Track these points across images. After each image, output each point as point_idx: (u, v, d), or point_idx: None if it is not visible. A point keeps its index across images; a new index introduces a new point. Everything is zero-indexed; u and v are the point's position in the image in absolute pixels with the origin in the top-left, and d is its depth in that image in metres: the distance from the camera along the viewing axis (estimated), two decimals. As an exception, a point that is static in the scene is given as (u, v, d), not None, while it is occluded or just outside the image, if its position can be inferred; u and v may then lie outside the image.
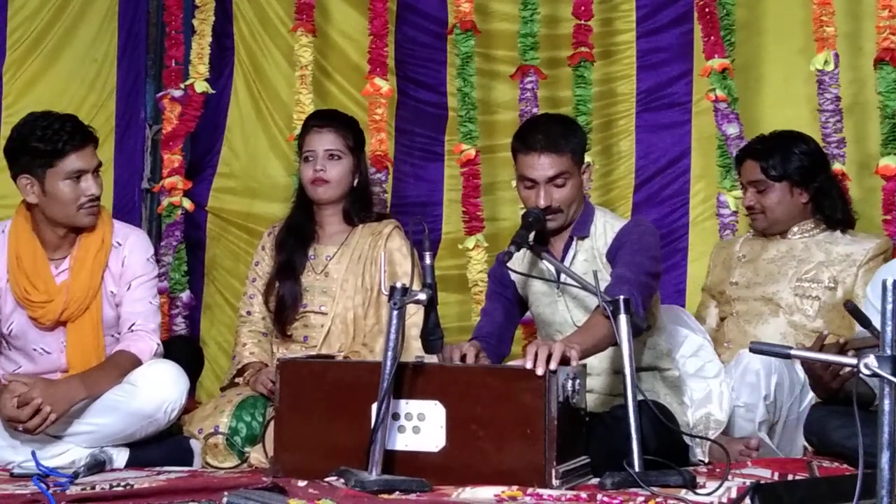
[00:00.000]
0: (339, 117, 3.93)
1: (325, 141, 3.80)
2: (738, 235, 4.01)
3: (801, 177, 3.70)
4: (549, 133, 3.26)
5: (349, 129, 3.85)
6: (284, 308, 3.78)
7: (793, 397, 3.40)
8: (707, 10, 4.11)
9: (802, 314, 3.65)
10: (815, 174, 3.72)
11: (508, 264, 3.18)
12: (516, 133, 3.36)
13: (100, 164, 3.44)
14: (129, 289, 3.47)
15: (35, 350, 3.46)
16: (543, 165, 3.22)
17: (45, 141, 3.32)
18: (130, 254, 3.49)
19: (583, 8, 4.31)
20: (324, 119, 3.90)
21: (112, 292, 3.47)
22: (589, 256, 3.28)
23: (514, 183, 3.96)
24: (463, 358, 3.06)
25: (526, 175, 3.25)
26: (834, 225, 3.74)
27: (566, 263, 3.26)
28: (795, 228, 3.76)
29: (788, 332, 3.64)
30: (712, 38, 4.10)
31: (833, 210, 3.73)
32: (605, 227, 3.29)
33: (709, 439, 3.28)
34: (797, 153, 3.71)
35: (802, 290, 3.67)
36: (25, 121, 3.42)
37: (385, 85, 4.47)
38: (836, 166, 3.89)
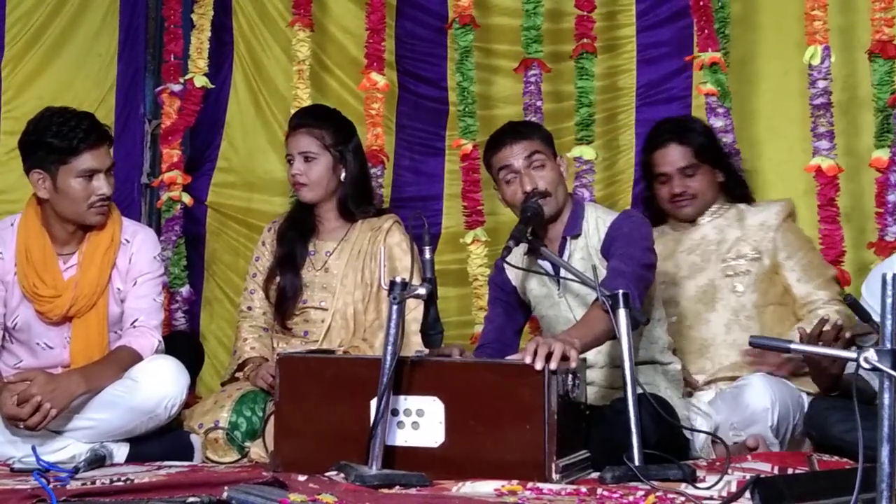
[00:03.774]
0: (314, 115, 3.90)
1: (299, 143, 3.79)
2: None
3: (718, 157, 3.76)
4: (513, 126, 3.40)
5: (325, 127, 3.81)
6: (285, 300, 3.78)
7: (795, 419, 3.38)
8: (701, 2, 4.11)
9: (735, 294, 3.65)
10: (720, 151, 3.79)
11: (508, 259, 3.18)
12: (485, 147, 3.42)
13: (113, 165, 3.45)
14: (134, 285, 3.48)
15: (38, 344, 3.47)
16: (516, 151, 3.28)
17: (60, 137, 3.33)
18: (138, 251, 3.50)
19: (585, 0, 4.30)
20: (298, 119, 3.89)
21: (118, 289, 3.49)
22: (585, 254, 3.28)
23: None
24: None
25: (503, 165, 3.29)
26: (740, 199, 3.77)
27: (563, 265, 3.26)
28: (706, 214, 3.76)
29: (731, 322, 3.64)
30: (706, 31, 4.10)
31: (742, 187, 3.79)
32: (598, 222, 3.31)
33: (708, 433, 3.28)
34: (706, 134, 3.77)
35: (732, 269, 3.67)
36: (42, 115, 3.42)
37: (381, 80, 4.46)
38: (824, 162, 3.89)
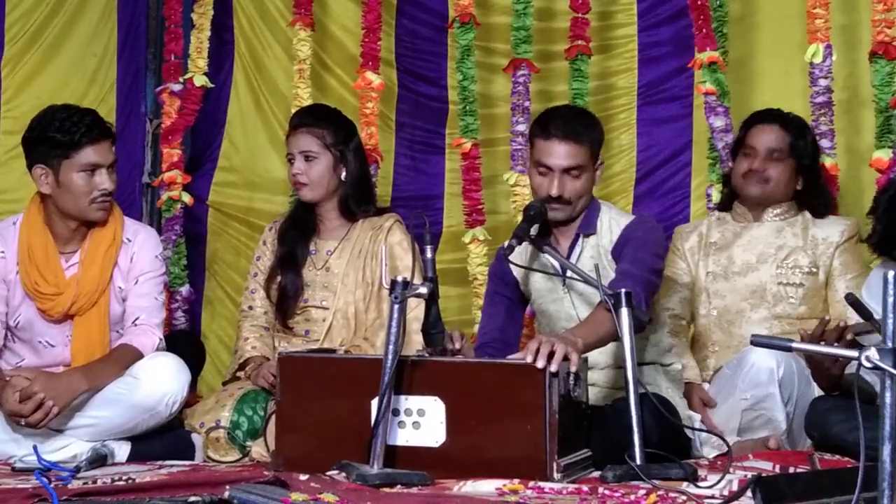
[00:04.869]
0: (314, 115, 3.90)
1: (300, 143, 3.80)
2: (700, 220, 3.96)
3: (808, 163, 3.71)
4: (571, 122, 3.29)
5: (325, 127, 3.81)
6: (286, 299, 3.79)
7: (799, 389, 3.38)
8: (699, 1, 4.11)
9: (786, 303, 3.64)
10: (815, 165, 3.75)
11: (510, 257, 3.18)
12: (536, 120, 3.37)
13: (115, 161, 3.46)
14: (135, 284, 3.49)
15: (40, 342, 3.47)
16: (561, 154, 3.22)
17: (62, 132, 3.35)
18: (140, 250, 3.51)
19: (580, 1, 4.30)
20: (299, 119, 3.89)
21: (120, 287, 3.50)
22: (595, 253, 3.27)
23: (508, 177, 3.94)
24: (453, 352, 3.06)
25: (542, 161, 3.25)
26: (811, 210, 3.74)
27: (573, 261, 3.25)
28: (773, 211, 3.73)
29: (773, 325, 3.62)
30: (704, 30, 4.10)
31: (817, 203, 3.74)
32: (611, 223, 3.29)
33: (711, 432, 3.28)
34: (811, 140, 3.75)
35: (786, 278, 3.65)
36: (45, 111, 3.44)
37: (376, 79, 4.46)
38: (827, 160, 3.90)
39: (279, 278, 3.82)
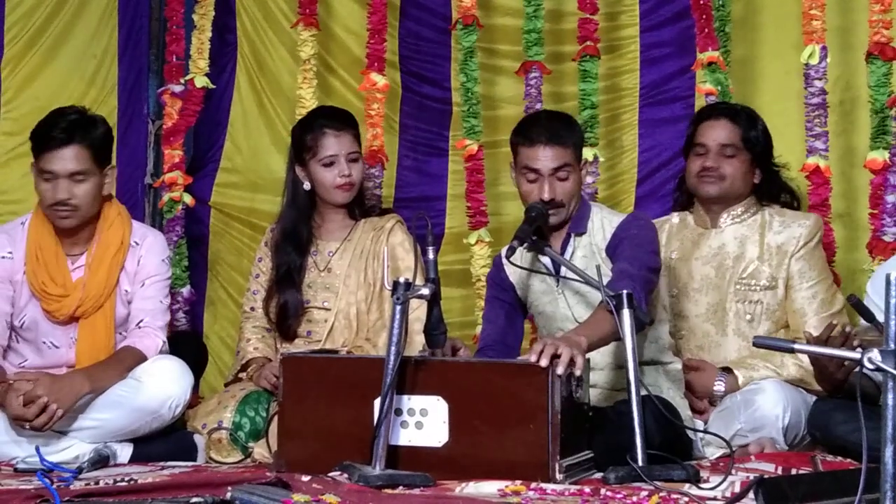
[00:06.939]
0: (350, 118, 3.89)
1: (345, 144, 3.77)
2: (663, 220, 3.82)
3: (763, 154, 3.64)
4: (552, 126, 3.31)
5: (357, 129, 3.85)
6: (287, 317, 3.77)
7: (806, 428, 3.31)
8: (701, 1, 4.11)
9: (744, 322, 3.56)
10: (770, 155, 3.69)
11: (511, 259, 3.18)
12: (516, 128, 3.39)
13: (85, 171, 3.37)
14: (141, 286, 3.50)
15: (44, 343, 3.48)
16: (548, 157, 3.24)
17: (35, 135, 3.39)
18: (147, 254, 3.52)
19: (588, 2, 4.30)
20: (339, 121, 3.82)
21: (126, 291, 3.50)
22: (587, 252, 3.28)
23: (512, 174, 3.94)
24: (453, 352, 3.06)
25: (530, 166, 3.26)
26: (776, 201, 3.66)
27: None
28: (726, 216, 3.64)
29: (742, 348, 3.55)
30: (706, 30, 4.10)
31: (776, 197, 3.68)
32: (603, 222, 3.30)
33: (710, 433, 3.27)
34: (762, 129, 3.66)
35: (743, 296, 3.58)
36: (51, 112, 3.45)
37: (381, 80, 4.46)
38: (820, 161, 3.88)
39: (277, 297, 3.78)
